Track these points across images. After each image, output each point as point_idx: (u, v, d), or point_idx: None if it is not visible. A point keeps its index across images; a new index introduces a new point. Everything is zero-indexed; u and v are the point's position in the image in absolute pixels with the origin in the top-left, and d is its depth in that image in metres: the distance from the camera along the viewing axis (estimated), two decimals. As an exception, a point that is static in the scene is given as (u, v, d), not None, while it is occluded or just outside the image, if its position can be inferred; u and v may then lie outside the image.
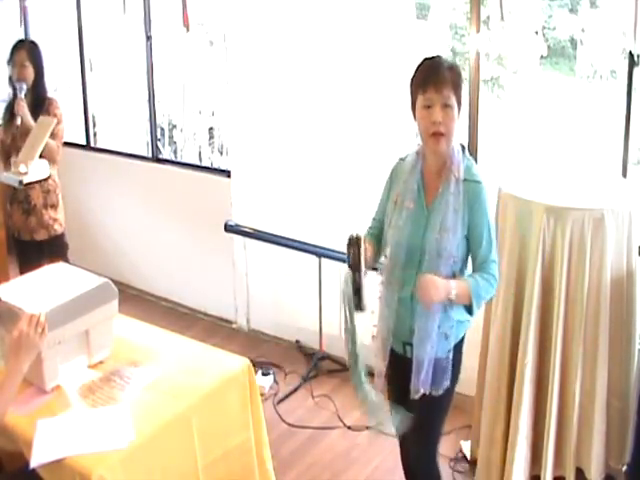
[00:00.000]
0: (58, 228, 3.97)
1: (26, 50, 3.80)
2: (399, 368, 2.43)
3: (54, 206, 3.93)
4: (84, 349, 2.59)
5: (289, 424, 3.64)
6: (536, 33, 4.59)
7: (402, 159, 2.46)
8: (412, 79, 2.30)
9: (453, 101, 2.23)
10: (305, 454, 3.44)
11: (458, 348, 2.43)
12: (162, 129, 5.80)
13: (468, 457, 3.31)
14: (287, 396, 3.88)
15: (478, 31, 3.48)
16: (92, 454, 2.17)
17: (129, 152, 5.16)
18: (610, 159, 3.47)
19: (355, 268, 2.24)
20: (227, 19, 4.21)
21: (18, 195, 3.85)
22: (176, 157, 5.91)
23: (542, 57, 4.74)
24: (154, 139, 5.03)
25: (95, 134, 5.52)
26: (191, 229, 4.75)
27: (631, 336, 2.97)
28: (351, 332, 2.46)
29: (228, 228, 4.32)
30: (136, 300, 4.86)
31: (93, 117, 5.49)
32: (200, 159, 5.90)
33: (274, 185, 4.22)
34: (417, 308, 2.32)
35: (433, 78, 2.23)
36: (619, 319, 2.92)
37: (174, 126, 5.96)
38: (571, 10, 4.96)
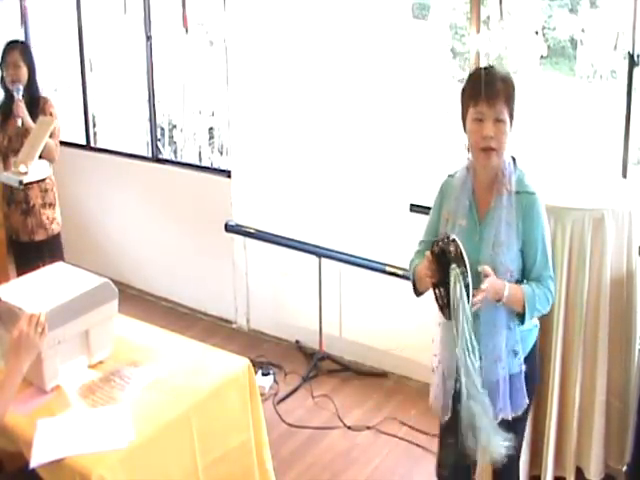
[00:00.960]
0: (56, 227, 3.97)
1: (19, 50, 3.77)
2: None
3: (52, 205, 3.93)
4: (84, 349, 2.59)
5: (289, 424, 3.64)
6: (536, 33, 4.59)
7: (451, 176, 2.36)
8: (463, 89, 2.23)
9: (505, 115, 2.15)
10: (305, 454, 3.44)
11: (530, 360, 2.33)
12: (162, 129, 5.79)
13: (468, 457, 3.31)
14: (287, 396, 3.88)
15: (478, 31, 3.48)
16: (92, 454, 2.17)
17: (129, 152, 5.16)
18: (610, 159, 3.47)
19: (463, 263, 2.08)
20: (227, 19, 4.21)
21: (17, 196, 3.84)
22: (176, 157, 5.91)
23: (542, 57, 4.74)
24: (154, 139, 5.04)
25: (95, 134, 5.53)
26: (191, 229, 4.75)
27: (631, 336, 2.97)
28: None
29: (228, 228, 4.32)
30: (136, 300, 4.86)
31: (93, 117, 5.49)
32: (200, 159, 5.89)
33: (274, 185, 4.22)
34: (481, 329, 2.20)
35: (486, 91, 2.13)
36: (619, 319, 2.92)
37: (174, 126, 5.96)
38: (571, 10, 4.96)
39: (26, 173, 3.61)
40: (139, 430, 2.27)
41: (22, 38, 5.56)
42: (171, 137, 5.98)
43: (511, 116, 2.18)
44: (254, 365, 2.77)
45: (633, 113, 3.24)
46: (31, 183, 3.74)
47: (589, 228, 2.78)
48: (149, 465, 2.28)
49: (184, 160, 5.72)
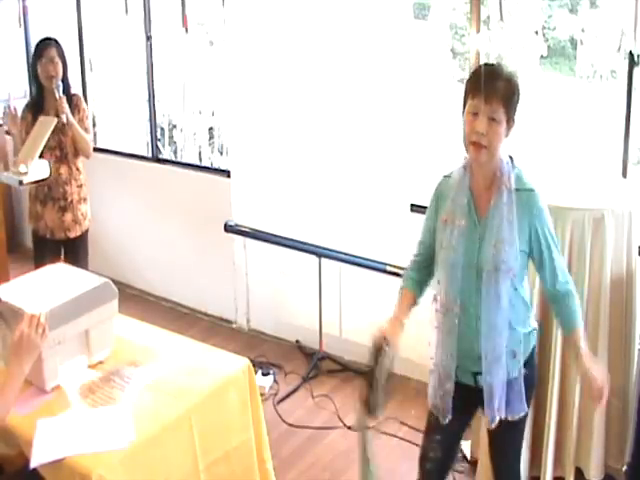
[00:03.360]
0: (87, 223, 3.97)
1: (54, 46, 3.78)
2: (467, 399, 2.30)
3: (86, 200, 3.94)
4: (84, 349, 2.59)
5: (289, 424, 3.64)
6: (536, 33, 4.60)
7: (447, 176, 2.32)
8: (467, 81, 2.21)
9: (501, 116, 2.11)
10: (305, 454, 3.44)
11: (530, 363, 2.31)
12: (162, 129, 5.79)
13: (468, 457, 3.31)
14: (287, 396, 3.88)
15: (478, 31, 3.48)
16: (92, 454, 2.17)
17: (129, 152, 5.16)
18: (610, 159, 3.47)
19: (370, 379, 2.23)
20: (227, 19, 4.21)
21: (54, 193, 3.80)
22: (176, 157, 5.91)
23: (542, 57, 4.74)
24: (154, 139, 5.04)
25: (95, 134, 5.52)
26: (191, 229, 4.75)
27: (631, 336, 2.97)
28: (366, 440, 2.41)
29: (228, 228, 4.32)
30: (136, 300, 4.86)
31: (93, 117, 5.49)
32: (200, 159, 5.90)
33: (274, 185, 4.22)
34: (482, 330, 2.20)
35: (485, 86, 2.10)
36: (619, 319, 2.92)
37: (174, 126, 5.96)
38: (571, 10, 4.97)
39: (26, 173, 3.60)
40: (139, 430, 2.27)
41: (22, 38, 5.58)
42: (171, 137, 5.98)
43: (509, 119, 2.14)
44: (254, 365, 2.77)
45: (633, 113, 3.24)
46: (31, 183, 3.73)
47: (589, 228, 2.78)
48: (149, 465, 2.28)
49: (184, 160, 5.73)
